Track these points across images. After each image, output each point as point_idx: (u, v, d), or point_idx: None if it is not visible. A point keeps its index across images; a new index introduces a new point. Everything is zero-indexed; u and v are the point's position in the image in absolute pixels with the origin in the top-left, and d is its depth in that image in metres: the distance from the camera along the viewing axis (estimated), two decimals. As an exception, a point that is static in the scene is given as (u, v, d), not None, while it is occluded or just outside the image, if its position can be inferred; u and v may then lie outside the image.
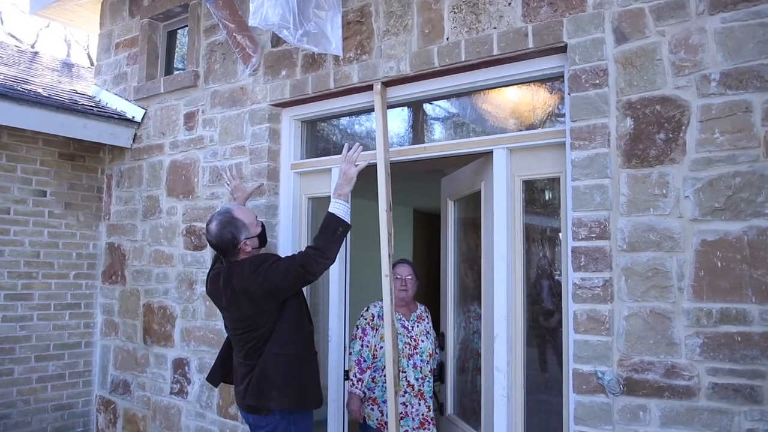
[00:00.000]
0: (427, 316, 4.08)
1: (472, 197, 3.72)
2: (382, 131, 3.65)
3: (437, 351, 4.07)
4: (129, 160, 5.27)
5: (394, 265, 3.96)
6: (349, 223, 3.15)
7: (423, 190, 4.62)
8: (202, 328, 4.53)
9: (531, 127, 3.31)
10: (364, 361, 3.86)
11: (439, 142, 3.62)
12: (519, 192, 3.26)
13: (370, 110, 3.89)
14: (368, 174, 3.55)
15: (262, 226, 3.26)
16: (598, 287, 2.76)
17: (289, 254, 3.14)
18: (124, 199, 5.28)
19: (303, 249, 2.98)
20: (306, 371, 3.08)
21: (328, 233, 3.07)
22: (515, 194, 3.26)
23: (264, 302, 3.03)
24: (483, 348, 3.50)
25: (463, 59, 3.31)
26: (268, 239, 3.97)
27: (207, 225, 3.14)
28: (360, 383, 3.81)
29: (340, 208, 3.15)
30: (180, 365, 4.68)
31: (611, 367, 2.73)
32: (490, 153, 3.34)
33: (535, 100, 3.31)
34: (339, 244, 3.09)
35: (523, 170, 3.25)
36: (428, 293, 4.24)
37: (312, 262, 2.99)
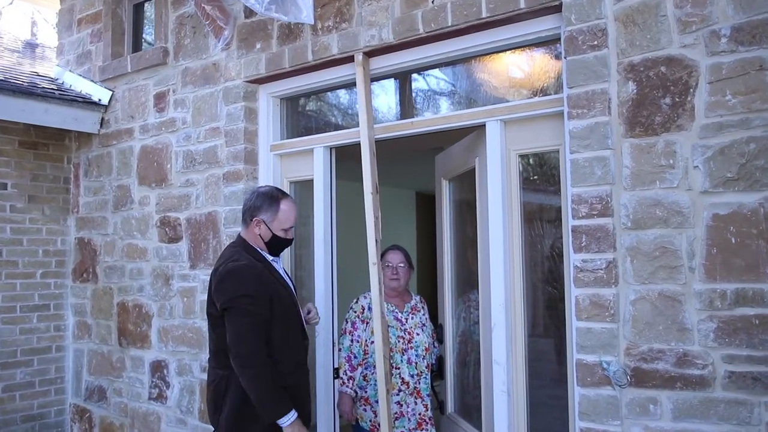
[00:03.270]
0: (422, 307, 4.06)
1: (467, 175, 3.71)
2: (365, 106, 3.63)
3: (435, 345, 4.05)
4: (97, 147, 5.24)
5: (384, 252, 3.96)
6: (271, 419, 2.92)
7: (425, 171, 4.63)
8: (180, 326, 4.52)
9: (526, 96, 3.28)
10: (355, 357, 3.83)
11: (427, 117, 3.60)
12: (515, 168, 3.24)
13: (353, 84, 3.86)
14: (354, 153, 3.51)
15: (287, 241, 3.17)
16: (601, 269, 2.73)
17: (243, 329, 2.92)
18: (93, 190, 5.25)
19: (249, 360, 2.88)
20: (293, 401, 2.98)
21: (264, 395, 2.88)
22: (511, 170, 3.24)
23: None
24: (481, 340, 3.49)
25: (449, 24, 3.27)
26: None
27: (259, 186, 3.17)
28: (351, 382, 3.79)
29: (288, 418, 2.93)
30: (158, 368, 4.67)
31: (617, 357, 2.70)
32: (483, 126, 3.32)
33: (529, 66, 3.28)
34: (252, 397, 2.91)
35: (519, 144, 3.23)
36: (434, 282, 4.32)
37: (237, 362, 2.89)
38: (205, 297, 4.18)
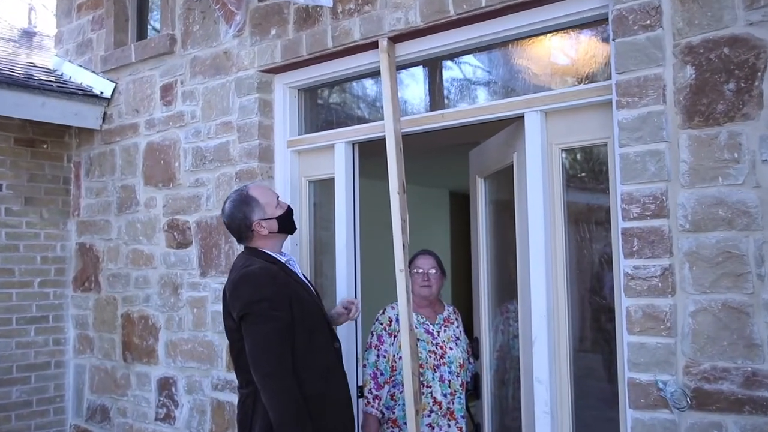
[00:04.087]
0: (456, 319, 4.03)
1: (505, 173, 3.68)
2: (391, 97, 3.62)
3: (470, 360, 4.03)
4: (99, 144, 5.29)
5: (414, 257, 3.95)
6: None
7: (459, 168, 4.61)
8: (190, 340, 4.54)
9: (570, 84, 3.25)
10: (381, 374, 3.82)
11: (460, 108, 3.59)
12: (558, 164, 3.21)
13: (377, 73, 3.85)
14: (379, 149, 3.49)
15: (288, 209, 3.27)
16: (656, 277, 2.69)
17: (266, 333, 2.94)
18: (96, 191, 5.30)
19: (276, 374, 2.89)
20: (321, 413, 3.01)
21: (285, 416, 2.88)
22: (553, 166, 3.22)
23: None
24: (521, 355, 3.47)
25: (483, 4, 3.25)
26: None
27: (223, 204, 3.26)
28: (377, 401, 3.77)
29: None
30: (166, 385, 4.69)
31: (675, 376, 2.66)
32: (521, 118, 3.31)
33: (573, 51, 3.25)
34: (271, 415, 2.91)
35: (562, 137, 3.20)
36: (470, 291, 4.32)
37: (258, 375, 2.90)
38: (218, 308, 4.25)
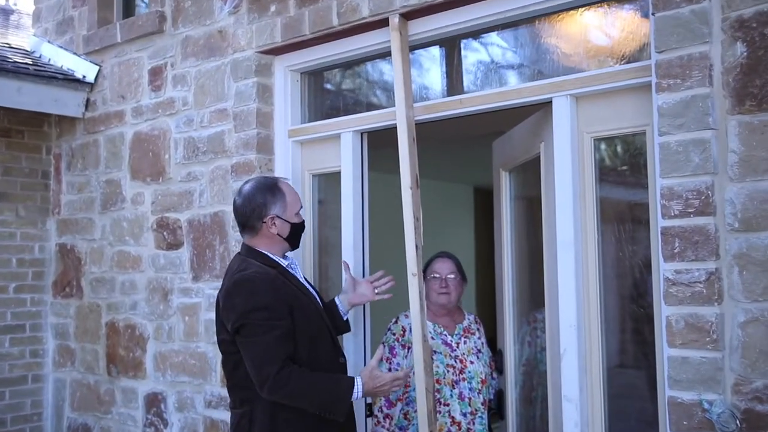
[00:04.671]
0: (478, 329, 4.02)
1: (531, 165, 3.68)
2: (403, 81, 3.61)
3: (494, 376, 4.02)
4: (81, 134, 5.31)
5: (431, 261, 3.95)
6: (344, 410, 3.04)
7: (485, 161, 4.61)
8: (181, 351, 4.55)
9: (603, 65, 3.24)
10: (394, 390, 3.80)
11: (480, 93, 3.58)
12: (590, 155, 3.20)
13: (388, 53, 3.85)
14: (391, 139, 3.48)
15: (303, 224, 3.28)
16: (700, 283, 2.67)
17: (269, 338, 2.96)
18: (78, 186, 5.32)
19: (283, 365, 2.91)
20: None
21: (318, 393, 2.97)
22: (584, 158, 3.21)
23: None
24: (548, 370, 3.46)
25: (508, -25, 3.24)
26: None
27: (242, 185, 3.26)
28: (388, 421, 3.77)
29: (356, 394, 3.04)
30: (154, 402, 4.70)
31: (723, 395, 2.63)
32: (549, 103, 3.30)
33: (607, 27, 3.24)
34: (308, 408, 2.99)
35: (594, 124, 3.19)
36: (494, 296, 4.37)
37: (268, 387, 2.90)
38: (212, 315, 4.25)
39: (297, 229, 3.23)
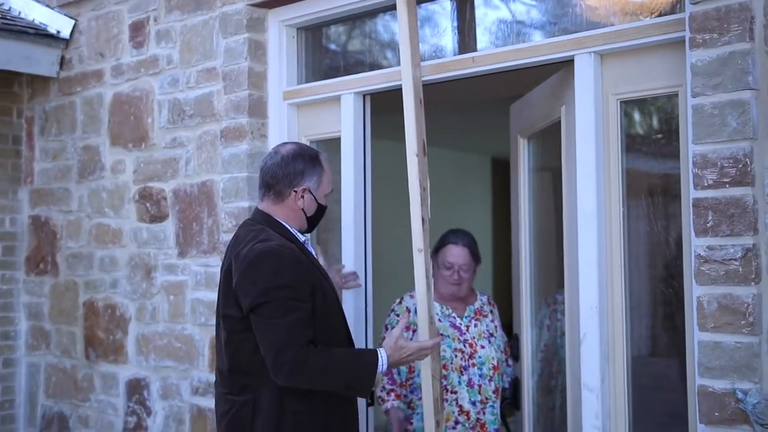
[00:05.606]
0: (491, 311, 4.05)
1: (552, 131, 3.67)
2: (409, 37, 3.58)
3: (509, 363, 4.05)
4: (56, 96, 5.29)
5: (443, 245, 3.95)
6: (370, 387, 3.07)
7: (504, 128, 4.62)
8: (165, 334, 4.56)
9: (631, 19, 3.21)
10: (398, 373, 3.89)
11: (494, 50, 3.56)
12: (615, 120, 3.20)
13: (393, 6, 3.81)
14: (397, 103, 3.50)
15: (326, 208, 3.28)
16: (736, 260, 2.66)
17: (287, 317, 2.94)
18: (52, 153, 5.32)
19: (303, 346, 2.89)
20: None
21: (339, 371, 2.96)
22: (609, 123, 3.20)
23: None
24: (567, 356, 3.47)
25: None
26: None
27: (281, 145, 3.26)
28: (392, 394, 3.84)
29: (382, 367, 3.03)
30: (136, 389, 4.71)
31: (759, 384, 2.63)
32: (571, 62, 3.29)
33: None
34: (331, 388, 3.00)
35: (621, 85, 3.19)
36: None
37: (286, 372, 2.88)
38: (199, 295, 4.25)
39: (321, 213, 3.23)
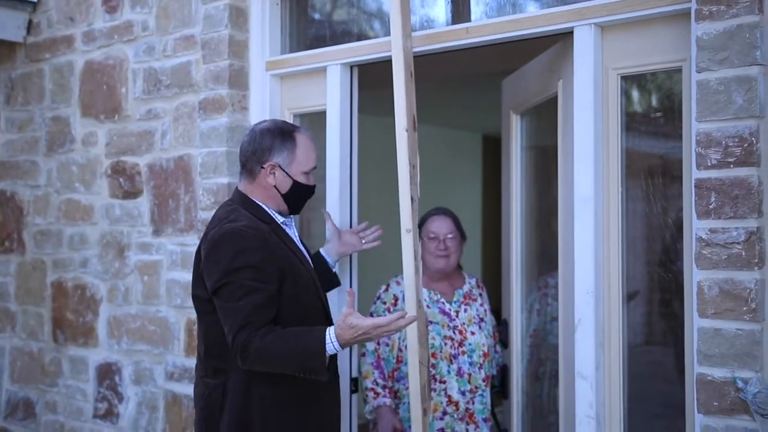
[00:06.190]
0: (480, 294, 4.07)
1: (547, 107, 3.68)
2: (400, 6, 3.54)
3: (497, 349, 4.06)
4: (23, 63, 5.26)
5: (426, 219, 3.98)
6: (321, 369, 2.98)
7: (497, 106, 4.65)
8: (138, 316, 4.57)
9: None
10: (385, 365, 3.88)
11: (489, 21, 3.55)
12: (616, 95, 3.20)
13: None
14: (386, 76, 3.50)
15: (310, 189, 3.27)
16: (738, 243, 2.67)
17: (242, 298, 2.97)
18: (18, 124, 5.29)
19: (254, 330, 2.90)
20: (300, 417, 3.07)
21: (285, 353, 2.93)
22: (609, 99, 3.20)
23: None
24: (560, 343, 3.49)
25: None
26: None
27: (260, 123, 3.33)
28: (386, 390, 3.83)
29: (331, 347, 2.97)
30: (108, 374, 4.72)
31: (760, 373, 2.65)
32: (569, 34, 3.28)
33: None
34: (285, 371, 3.00)
35: (622, 59, 3.19)
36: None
37: (242, 355, 2.91)
38: (175, 275, 4.26)
39: (299, 190, 3.21)
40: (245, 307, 2.89)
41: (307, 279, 3.12)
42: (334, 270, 3.57)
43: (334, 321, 3.16)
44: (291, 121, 4.17)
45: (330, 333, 2.88)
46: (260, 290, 2.92)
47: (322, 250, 3.59)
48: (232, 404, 3.01)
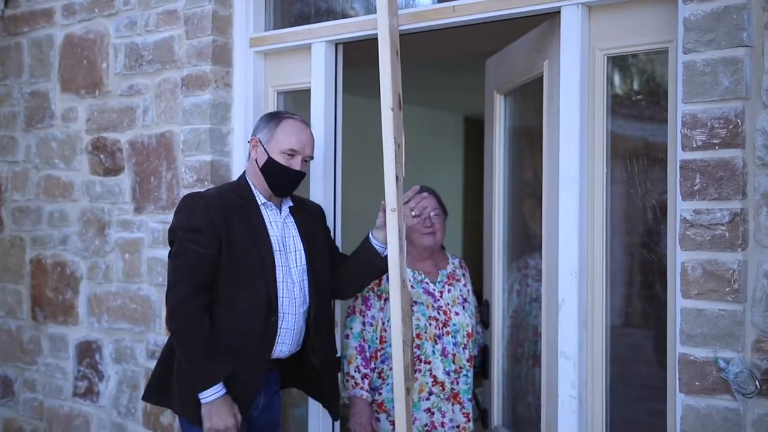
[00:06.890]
0: (463, 275, 4.07)
1: (532, 88, 3.68)
2: (386, -19, 3.55)
3: (478, 330, 4.06)
4: (0, 36, 5.20)
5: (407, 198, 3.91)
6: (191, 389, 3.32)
7: (479, 87, 4.65)
8: (119, 294, 4.57)
9: None
10: (369, 346, 3.84)
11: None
12: (602, 76, 3.20)
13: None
14: (371, 55, 3.48)
15: (296, 173, 3.42)
16: (722, 225, 2.69)
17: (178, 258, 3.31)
18: (-3, 98, 5.26)
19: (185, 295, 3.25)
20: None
21: (188, 351, 3.30)
22: (596, 80, 3.21)
23: None
24: (543, 323, 3.49)
25: None
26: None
27: None
28: (366, 381, 3.81)
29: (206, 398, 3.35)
30: (88, 352, 4.72)
31: (741, 353, 2.67)
32: (557, 14, 3.28)
33: None
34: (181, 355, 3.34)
35: (609, 40, 3.18)
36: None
37: (167, 312, 3.34)
38: (156, 253, 4.33)
39: (272, 166, 3.38)
40: (179, 267, 3.25)
41: (253, 250, 3.34)
42: (384, 254, 3.50)
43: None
44: (273, 98, 4.24)
45: (215, 393, 3.19)
46: (197, 253, 3.23)
47: (370, 235, 3.57)
48: (161, 358, 3.50)
